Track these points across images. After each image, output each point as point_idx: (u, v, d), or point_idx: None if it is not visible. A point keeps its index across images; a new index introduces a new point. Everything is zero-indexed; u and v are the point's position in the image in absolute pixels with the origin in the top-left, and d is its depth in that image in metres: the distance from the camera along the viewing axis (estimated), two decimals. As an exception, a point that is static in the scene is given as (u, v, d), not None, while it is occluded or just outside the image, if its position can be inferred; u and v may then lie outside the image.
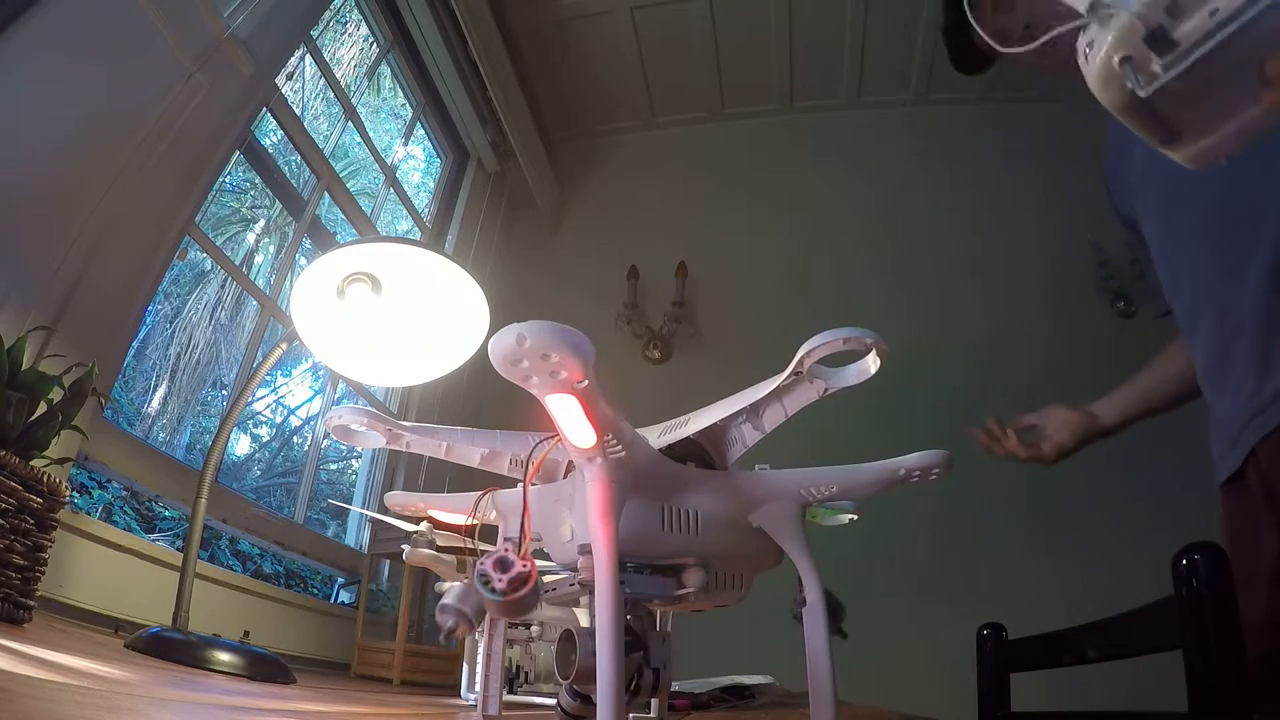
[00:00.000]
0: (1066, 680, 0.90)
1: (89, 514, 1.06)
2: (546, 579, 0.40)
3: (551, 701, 0.53)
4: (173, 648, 0.69)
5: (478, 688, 0.48)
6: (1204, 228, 0.81)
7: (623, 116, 2.62)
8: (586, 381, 0.30)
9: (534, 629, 0.83)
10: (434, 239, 2.23)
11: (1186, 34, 0.35)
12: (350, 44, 2.82)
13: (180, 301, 3.68)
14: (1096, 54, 0.37)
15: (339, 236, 1.91)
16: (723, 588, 0.42)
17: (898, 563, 1.87)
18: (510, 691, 0.84)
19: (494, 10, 2.10)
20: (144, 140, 1.08)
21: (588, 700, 0.40)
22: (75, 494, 0.97)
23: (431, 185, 2.46)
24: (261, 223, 3.90)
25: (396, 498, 0.53)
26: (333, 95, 1.96)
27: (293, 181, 1.80)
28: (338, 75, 1.95)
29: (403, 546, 0.81)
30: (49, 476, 0.65)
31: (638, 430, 0.38)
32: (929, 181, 2.35)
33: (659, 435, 0.41)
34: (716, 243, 2.41)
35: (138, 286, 1.09)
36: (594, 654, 0.31)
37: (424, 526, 0.82)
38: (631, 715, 0.54)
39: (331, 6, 1.74)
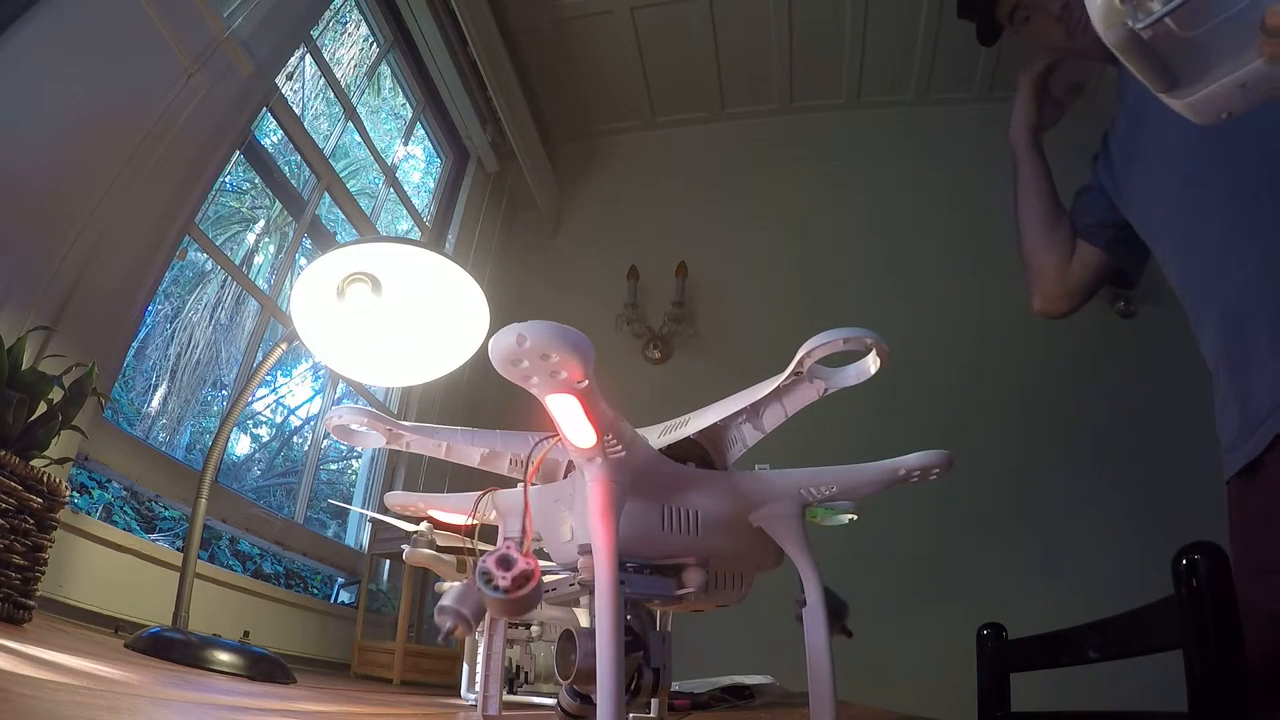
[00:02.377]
0: (1066, 680, 0.90)
1: (89, 514, 1.06)
2: (546, 579, 0.40)
3: (551, 701, 0.53)
4: (173, 648, 0.69)
5: (478, 688, 0.48)
6: (1230, 197, 0.78)
7: (623, 116, 2.62)
8: (586, 381, 0.30)
9: (534, 629, 0.83)
10: (434, 239, 2.23)
11: None
12: (350, 44, 2.82)
13: (180, 301, 3.68)
14: None
15: (339, 236, 1.91)
16: (723, 588, 0.42)
17: (897, 563, 1.87)
18: (510, 691, 0.84)
19: (494, 10, 2.11)
20: (144, 140, 1.08)
21: (588, 700, 0.40)
22: (75, 494, 0.97)
23: (431, 185, 2.45)
24: (261, 223, 3.90)
25: (396, 498, 0.53)
26: (333, 95, 1.96)
27: (293, 181, 1.80)
28: (338, 75, 1.95)
29: (403, 546, 0.81)
30: (49, 476, 0.65)
31: (638, 430, 0.38)
32: (928, 181, 2.35)
33: (659, 435, 0.41)
34: (716, 243, 2.41)
35: (138, 286, 1.09)
36: (594, 654, 0.31)
37: (424, 526, 0.82)
38: (631, 715, 0.54)
39: (331, 6, 1.74)
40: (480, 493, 0.46)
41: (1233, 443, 0.77)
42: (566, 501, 0.39)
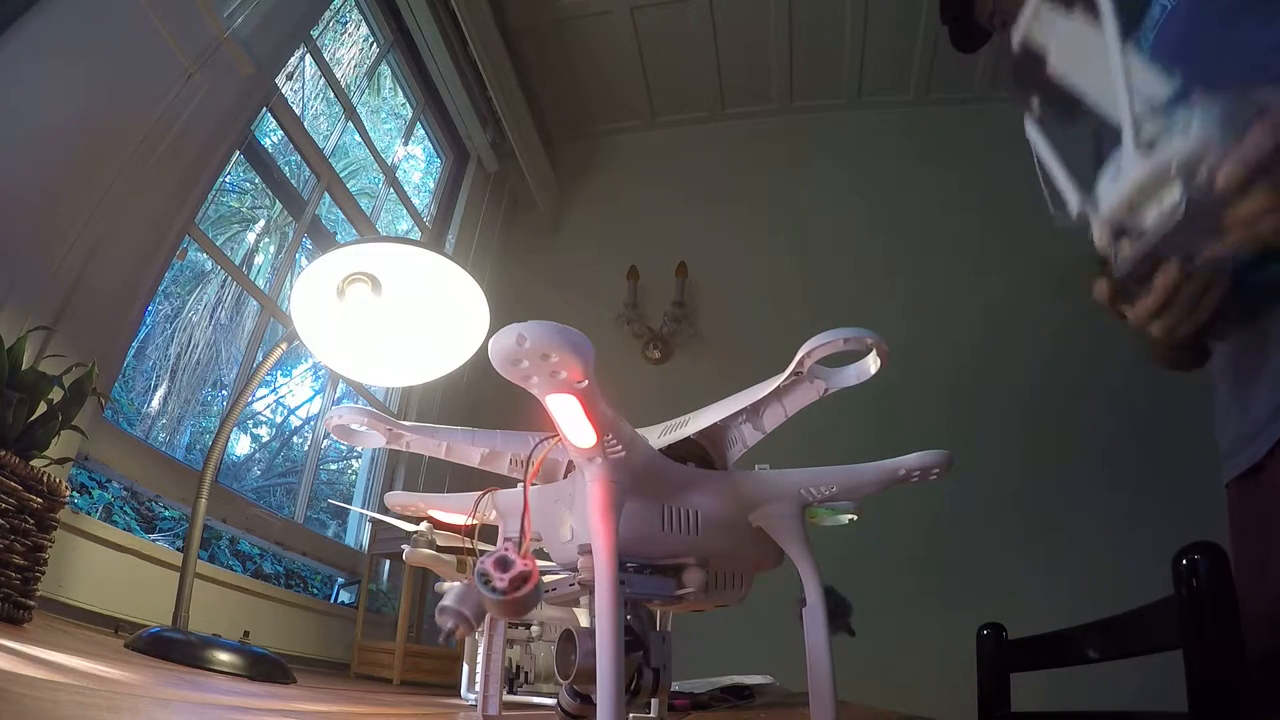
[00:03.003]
0: (1066, 680, 0.90)
1: (89, 514, 1.06)
2: (546, 579, 0.40)
3: (551, 701, 0.53)
4: (173, 648, 0.69)
5: (478, 688, 0.48)
6: None
7: (623, 116, 2.62)
8: (586, 381, 0.30)
9: (534, 629, 0.83)
10: (434, 239, 2.23)
11: (1147, 222, 0.51)
12: (350, 44, 2.82)
13: (180, 301, 3.67)
14: (1092, 233, 0.54)
15: (339, 236, 1.91)
16: (723, 588, 0.42)
17: (897, 563, 1.87)
18: (510, 691, 0.84)
19: (494, 10, 2.10)
20: (144, 140, 1.08)
21: (588, 700, 0.40)
22: (75, 494, 0.97)
23: (431, 185, 2.46)
24: (261, 223, 3.90)
25: (396, 498, 0.53)
26: (333, 95, 1.96)
27: (293, 181, 1.80)
28: (338, 75, 1.95)
29: (403, 546, 0.81)
30: (49, 476, 0.65)
31: (638, 430, 0.38)
32: (929, 181, 2.35)
33: (659, 435, 0.41)
34: (716, 243, 2.41)
35: (138, 286, 1.09)
36: (594, 654, 0.31)
37: (424, 526, 0.82)
38: (631, 715, 0.54)
39: (331, 6, 1.74)
40: (480, 493, 0.46)
41: (1233, 448, 0.77)
42: (566, 501, 0.39)
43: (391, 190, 2.08)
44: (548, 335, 0.28)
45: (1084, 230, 0.56)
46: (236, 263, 3.43)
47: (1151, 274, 0.57)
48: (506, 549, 0.32)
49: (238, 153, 1.42)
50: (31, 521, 0.63)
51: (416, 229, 2.19)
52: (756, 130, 2.57)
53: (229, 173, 2.12)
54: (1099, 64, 0.54)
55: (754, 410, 0.41)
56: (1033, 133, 0.63)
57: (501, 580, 0.31)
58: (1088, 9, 0.55)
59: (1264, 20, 0.71)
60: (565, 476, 0.42)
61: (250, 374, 0.99)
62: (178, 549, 1.07)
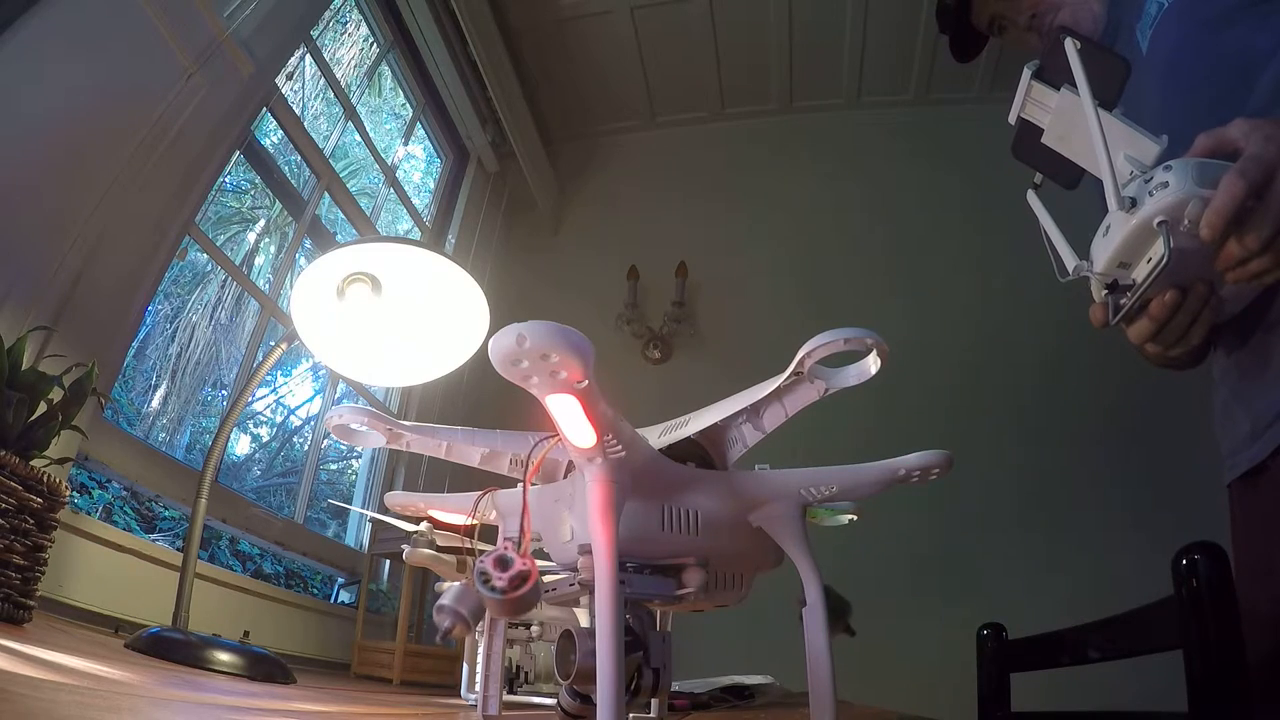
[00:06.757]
0: (1066, 680, 0.90)
1: (89, 514, 1.06)
2: (546, 579, 0.40)
3: (551, 701, 0.53)
4: (173, 648, 0.69)
5: (478, 688, 0.48)
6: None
7: (623, 116, 2.62)
8: (586, 381, 0.30)
9: (534, 629, 0.83)
10: (434, 239, 2.23)
11: (1137, 275, 0.57)
12: (350, 44, 2.82)
13: (180, 301, 3.67)
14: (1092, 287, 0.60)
15: (339, 236, 1.91)
16: (723, 588, 0.42)
17: (897, 563, 1.87)
18: (510, 691, 0.84)
19: (494, 10, 2.10)
20: (144, 140, 1.08)
21: (588, 700, 0.40)
22: (75, 494, 0.96)
23: (431, 185, 2.46)
24: (261, 223, 3.89)
25: (396, 498, 0.53)
26: (333, 95, 1.96)
27: (293, 181, 1.80)
28: (338, 75, 1.95)
29: (403, 546, 0.81)
30: (49, 476, 0.65)
31: (638, 430, 0.38)
32: (928, 181, 2.35)
33: (659, 435, 0.41)
34: (716, 243, 2.41)
35: (138, 286, 1.09)
36: (594, 654, 0.31)
37: (424, 526, 0.82)
38: (631, 715, 0.54)
39: (331, 6, 1.74)
40: (480, 493, 0.46)
41: (1236, 447, 0.76)
42: (566, 501, 0.39)
43: (391, 190, 2.08)
44: (548, 335, 0.28)
45: (1084, 285, 0.61)
46: (236, 263, 3.43)
47: (1148, 300, 0.60)
48: (506, 548, 0.32)
49: (238, 153, 1.42)
50: (31, 521, 0.63)
51: (416, 229, 2.19)
52: (756, 130, 2.57)
53: (229, 173, 2.12)
54: (1084, 132, 0.58)
55: (754, 410, 0.41)
56: (1033, 200, 0.68)
57: (501, 579, 0.31)
58: (1073, 83, 0.61)
59: (1258, 23, 0.71)
60: (565, 476, 0.42)
61: (250, 374, 0.99)
62: (178, 549, 1.07)
